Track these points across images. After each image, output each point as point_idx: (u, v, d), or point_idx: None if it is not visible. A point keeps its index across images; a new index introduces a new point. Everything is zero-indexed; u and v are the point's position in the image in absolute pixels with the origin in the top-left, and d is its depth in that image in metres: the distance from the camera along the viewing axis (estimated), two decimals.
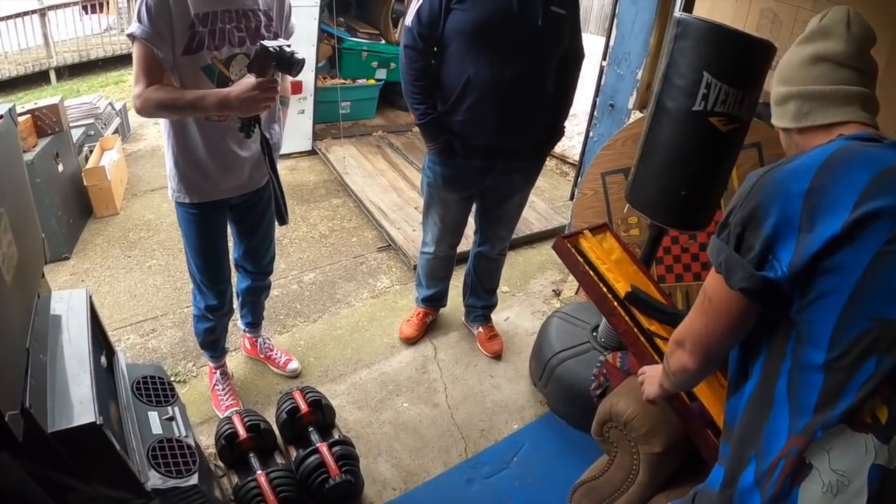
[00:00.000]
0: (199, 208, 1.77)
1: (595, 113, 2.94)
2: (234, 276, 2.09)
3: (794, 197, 0.81)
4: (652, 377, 1.27)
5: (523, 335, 2.72)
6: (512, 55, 1.86)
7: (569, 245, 1.85)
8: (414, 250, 3.06)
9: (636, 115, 2.69)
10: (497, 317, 2.69)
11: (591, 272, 1.76)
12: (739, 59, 1.64)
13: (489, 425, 2.22)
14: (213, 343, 2.12)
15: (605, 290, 1.72)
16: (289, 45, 1.44)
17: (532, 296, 3.03)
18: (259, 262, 2.09)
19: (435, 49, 1.93)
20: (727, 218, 0.89)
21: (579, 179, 2.94)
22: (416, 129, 4.58)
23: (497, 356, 2.54)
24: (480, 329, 2.60)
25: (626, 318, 1.66)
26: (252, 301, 2.22)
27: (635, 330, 1.63)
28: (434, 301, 2.58)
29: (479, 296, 2.57)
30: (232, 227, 1.97)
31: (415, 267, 2.97)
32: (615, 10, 2.73)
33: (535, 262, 3.32)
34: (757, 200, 0.85)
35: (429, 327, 2.64)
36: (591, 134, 2.99)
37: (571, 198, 3.69)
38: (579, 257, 1.80)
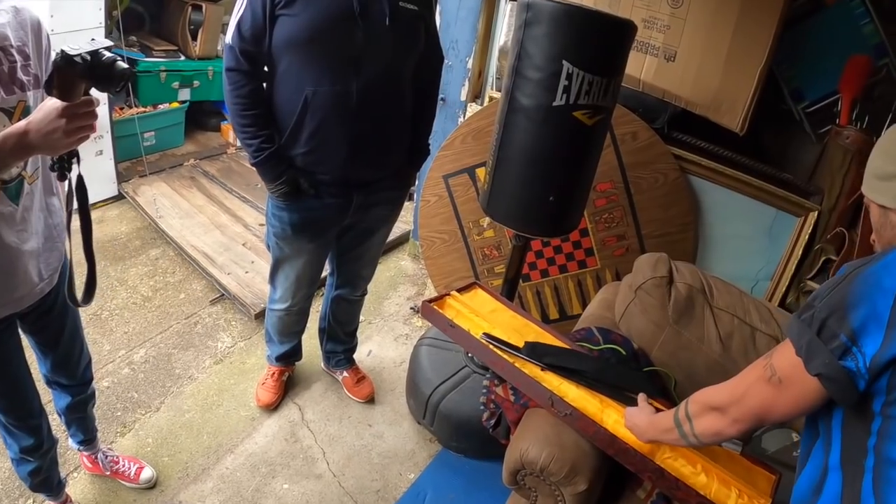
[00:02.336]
0: None
1: None
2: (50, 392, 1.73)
3: (886, 292, 0.81)
4: (645, 430, 1.33)
5: (392, 367, 2.62)
6: (358, 64, 1.61)
7: (435, 307, 1.81)
8: (252, 296, 2.76)
9: (473, 108, 2.66)
10: (358, 353, 2.54)
11: (463, 326, 1.72)
12: (602, 43, 1.56)
13: (383, 483, 2.10)
14: (44, 483, 1.73)
15: (477, 336, 1.69)
16: (106, 47, 1.05)
17: (390, 319, 2.92)
18: (74, 372, 1.69)
19: (265, 68, 1.65)
20: (813, 300, 0.89)
21: (417, 184, 2.87)
22: (232, 150, 4.25)
23: (370, 399, 2.40)
24: (345, 373, 2.43)
25: (502, 353, 1.63)
26: (79, 417, 1.81)
27: (516, 364, 1.61)
28: (289, 357, 2.34)
29: (340, 340, 2.39)
30: (28, 339, 1.56)
31: (256, 316, 2.70)
32: None
33: (384, 279, 3.20)
34: (847, 289, 0.84)
35: (287, 385, 2.40)
36: None
37: (410, 198, 3.63)
38: (446, 315, 1.77)
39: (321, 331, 2.40)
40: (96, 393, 1.87)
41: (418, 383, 2.24)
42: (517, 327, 1.81)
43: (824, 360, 0.86)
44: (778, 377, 0.94)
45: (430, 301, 1.80)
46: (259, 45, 1.58)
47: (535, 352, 1.64)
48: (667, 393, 1.87)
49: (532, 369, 1.61)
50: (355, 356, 2.49)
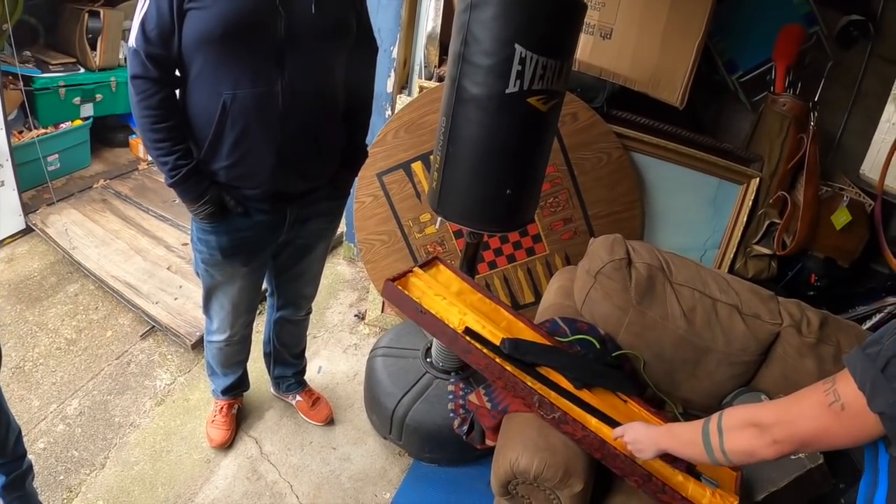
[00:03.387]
0: None
1: None
2: None
3: None
4: (646, 443, 1.31)
5: (346, 382, 2.53)
6: (281, 61, 1.45)
7: (399, 287, 1.72)
8: (185, 325, 2.59)
9: (401, 101, 2.59)
10: (308, 371, 2.42)
11: (433, 311, 1.65)
12: (555, 24, 1.52)
13: None
14: None
15: (453, 328, 1.62)
16: None
17: (335, 330, 2.82)
18: (3, 450, 1.52)
19: (177, 73, 1.48)
20: (881, 337, 0.88)
21: None
22: (143, 166, 3.97)
23: (329, 421, 2.30)
24: (298, 397, 2.32)
25: (484, 349, 1.58)
26: (18, 496, 1.62)
27: (497, 360, 1.57)
28: (236, 389, 2.20)
29: (288, 363, 2.26)
30: None
31: (193, 346, 2.53)
32: None
33: (322, 288, 3.03)
34: None
35: (238, 418, 2.27)
36: None
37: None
38: (414, 299, 1.68)
39: (267, 355, 2.27)
40: (33, 464, 1.69)
41: (379, 398, 2.16)
42: (488, 312, 1.76)
43: (889, 399, 0.86)
44: (841, 404, 0.93)
45: (394, 279, 1.70)
46: (167, 46, 1.41)
47: (517, 350, 1.60)
48: (637, 375, 1.89)
49: (515, 369, 1.57)
50: (305, 376, 2.38)
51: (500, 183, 1.66)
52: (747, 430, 1.06)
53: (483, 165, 1.66)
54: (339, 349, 2.71)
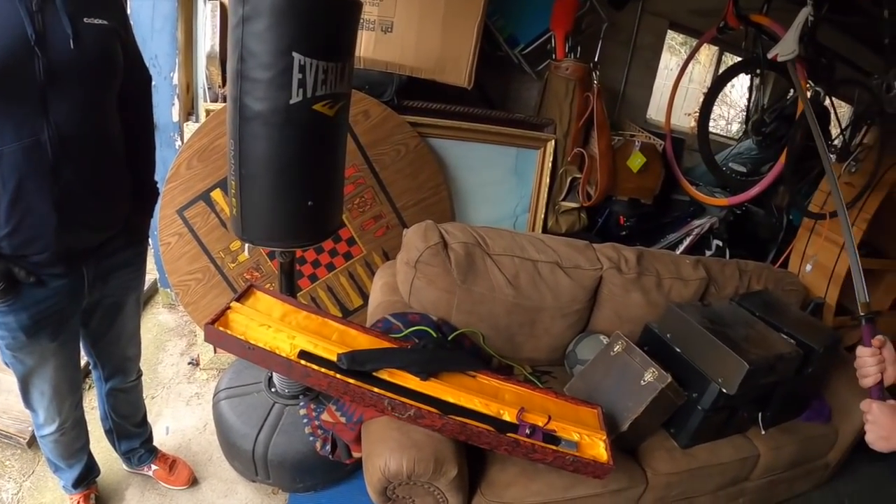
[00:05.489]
0: None
1: None
2: None
3: None
4: (885, 429, 1.26)
5: (198, 436, 2.42)
6: (45, 105, 1.34)
7: (220, 328, 1.68)
8: (12, 422, 2.28)
9: (190, 128, 2.50)
10: (157, 435, 2.29)
11: (261, 344, 1.65)
12: (332, 26, 1.53)
13: None
14: None
15: (287, 355, 1.63)
16: None
17: (172, 384, 2.69)
18: None
19: None
20: None
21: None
22: None
23: (192, 482, 2.20)
24: (154, 466, 2.18)
25: (322, 369, 1.61)
26: None
27: (339, 376, 1.60)
28: (87, 477, 2.02)
29: (133, 435, 2.12)
30: None
31: (29, 443, 2.27)
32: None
33: (148, 343, 2.89)
34: None
35: None
36: None
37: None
38: (239, 336, 1.66)
39: (108, 432, 2.11)
40: None
41: (235, 442, 2.11)
42: (317, 329, 1.77)
43: None
44: None
45: (213, 321, 1.65)
46: None
47: (355, 362, 1.63)
48: (480, 350, 2.02)
49: (358, 381, 1.60)
50: (155, 442, 2.25)
51: (300, 196, 1.67)
52: None
53: (279, 182, 1.65)
54: (182, 403, 2.59)
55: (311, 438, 2.00)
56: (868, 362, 1.34)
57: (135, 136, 1.66)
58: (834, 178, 1.72)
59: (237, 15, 1.48)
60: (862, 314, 1.42)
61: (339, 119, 1.67)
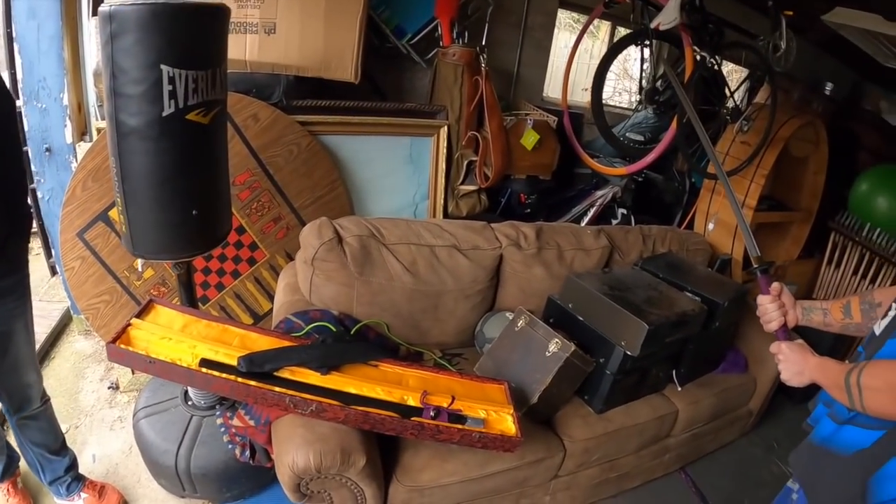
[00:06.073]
0: None
1: (32, 167, 2.57)
2: None
3: None
4: (796, 366, 1.33)
5: (124, 459, 2.41)
6: None
7: (122, 346, 1.70)
8: None
9: (83, 149, 2.47)
10: (83, 464, 2.27)
11: (162, 357, 1.67)
12: (197, 36, 1.55)
13: None
14: None
15: (188, 365, 1.65)
16: None
17: (94, 411, 2.65)
18: None
19: None
20: None
21: (53, 253, 2.61)
22: None
23: None
24: (83, 494, 2.15)
25: (223, 375, 1.64)
26: None
27: (240, 380, 1.63)
28: (9, 469, 2.06)
29: (55, 462, 2.10)
30: None
31: None
32: (10, 31, 2.35)
33: (65, 372, 2.86)
34: None
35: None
36: (39, 194, 2.63)
37: (53, 273, 3.27)
38: (140, 352, 1.67)
39: (31, 465, 2.09)
40: None
41: (158, 459, 2.11)
42: (218, 336, 1.80)
43: None
44: None
45: (113, 340, 1.65)
46: None
47: (253, 364, 1.66)
48: (386, 339, 2.07)
49: (259, 382, 1.63)
50: (81, 469, 2.23)
51: (184, 206, 1.69)
52: (889, 393, 1.10)
53: (161, 194, 1.66)
54: (106, 428, 2.56)
55: (231, 446, 2.03)
56: (769, 308, 1.47)
57: (2, 164, 1.63)
58: (707, 138, 1.79)
59: (105, 33, 1.48)
60: (756, 266, 1.53)
61: (215, 125, 1.69)
